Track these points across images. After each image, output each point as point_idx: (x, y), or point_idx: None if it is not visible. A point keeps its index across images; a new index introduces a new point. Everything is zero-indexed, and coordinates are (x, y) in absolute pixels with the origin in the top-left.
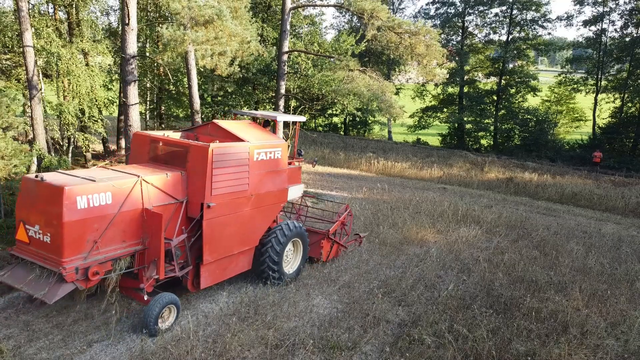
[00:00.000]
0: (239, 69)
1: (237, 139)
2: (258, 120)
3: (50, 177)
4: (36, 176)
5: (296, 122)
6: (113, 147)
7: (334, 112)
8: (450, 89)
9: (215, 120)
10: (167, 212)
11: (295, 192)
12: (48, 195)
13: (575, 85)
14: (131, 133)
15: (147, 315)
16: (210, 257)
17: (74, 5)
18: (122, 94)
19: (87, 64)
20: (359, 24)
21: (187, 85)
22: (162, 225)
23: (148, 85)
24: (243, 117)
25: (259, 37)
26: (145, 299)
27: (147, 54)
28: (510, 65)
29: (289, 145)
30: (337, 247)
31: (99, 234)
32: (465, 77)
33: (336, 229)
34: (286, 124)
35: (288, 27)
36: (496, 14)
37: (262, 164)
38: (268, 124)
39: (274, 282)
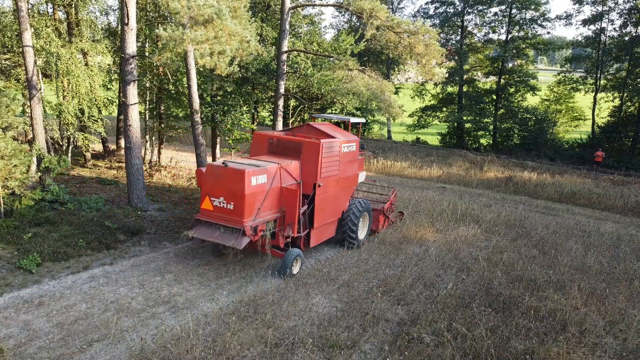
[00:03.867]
0: (238, 69)
1: (329, 137)
2: (332, 122)
3: (230, 163)
4: (223, 162)
5: (359, 122)
6: (113, 146)
7: (334, 111)
8: (449, 89)
9: (309, 123)
10: None
11: (362, 177)
12: (232, 176)
13: (575, 85)
14: (131, 133)
15: (284, 263)
16: (317, 223)
17: (73, 5)
18: (121, 94)
19: (86, 64)
20: (358, 24)
21: (186, 85)
22: (297, 198)
23: (147, 85)
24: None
25: (259, 37)
26: (282, 247)
27: (147, 54)
28: (510, 65)
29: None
30: (387, 221)
31: (260, 203)
32: (465, 77)
33: (388, 207)
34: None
35: (287, 26)
36: (495, 13)
37: (346, 155)
38: (338, 125)
39: (351, 245)
